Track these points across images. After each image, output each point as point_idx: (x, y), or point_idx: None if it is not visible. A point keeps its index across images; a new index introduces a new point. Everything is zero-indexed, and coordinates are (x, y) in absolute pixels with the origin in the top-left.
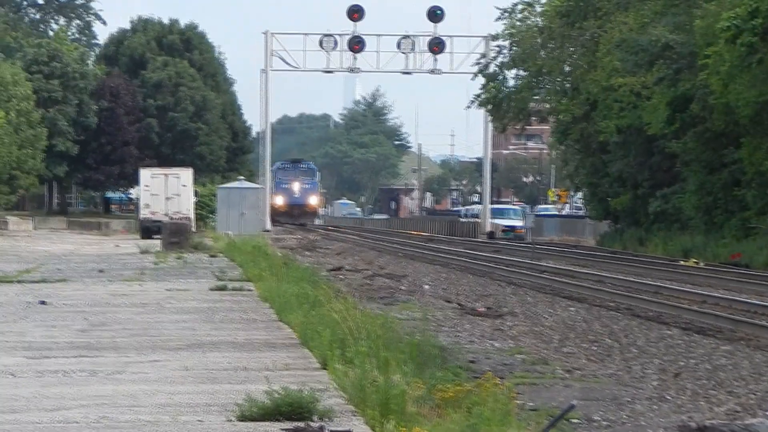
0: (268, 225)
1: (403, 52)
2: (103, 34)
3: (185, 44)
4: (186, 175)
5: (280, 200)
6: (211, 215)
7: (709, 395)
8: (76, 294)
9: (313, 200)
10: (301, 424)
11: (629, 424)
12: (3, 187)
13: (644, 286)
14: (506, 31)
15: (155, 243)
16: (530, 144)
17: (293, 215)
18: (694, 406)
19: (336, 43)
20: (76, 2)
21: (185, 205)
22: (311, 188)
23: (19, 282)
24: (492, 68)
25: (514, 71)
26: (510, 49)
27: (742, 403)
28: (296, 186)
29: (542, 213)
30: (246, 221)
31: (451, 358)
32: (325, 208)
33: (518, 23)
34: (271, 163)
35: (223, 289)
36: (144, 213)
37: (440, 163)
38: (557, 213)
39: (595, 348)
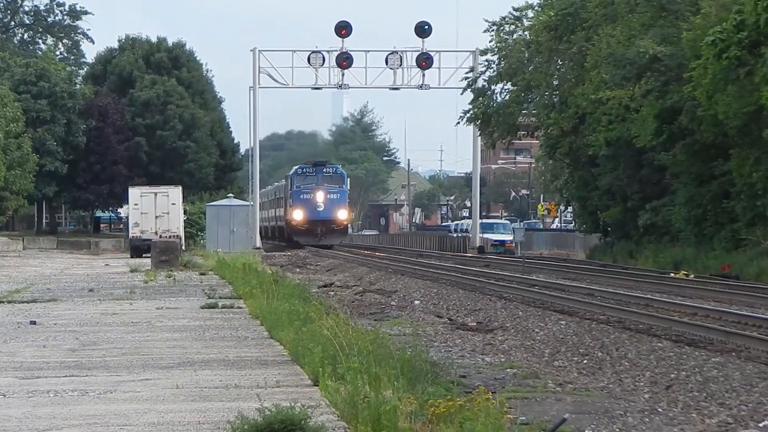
0: (258, 242)
1: (391, 68)
2: (90, 53)
3: (173, 62)
4: (175, 193)
5: (299, 215)
6: (200, 233)
7: (701, 407)
8: (66, 314)
9: (342, 214)
10: None
11: None
12: None
13: (635, 299)
14: (494, 45)
15: (145, 262)
16: (519, 158)
17: (316, 234)
18: (686, 419)
19: (324, 59)
20: (64, 22)
21: (175, 223)
22: (339, 199)
23: (9, 302)
24: (480, 83)
25: (501, 85)
26: (498, 64)
27: (733, 414)
28: (320, 196)
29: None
30: (236, 238)
31: (443, 373)
32: None
33: (506, 37)
34: (260, 180)
35: (213, 306)
36: (133, 232)
37: (429, 178)
38: (543, 227)
39: (586, 361)
